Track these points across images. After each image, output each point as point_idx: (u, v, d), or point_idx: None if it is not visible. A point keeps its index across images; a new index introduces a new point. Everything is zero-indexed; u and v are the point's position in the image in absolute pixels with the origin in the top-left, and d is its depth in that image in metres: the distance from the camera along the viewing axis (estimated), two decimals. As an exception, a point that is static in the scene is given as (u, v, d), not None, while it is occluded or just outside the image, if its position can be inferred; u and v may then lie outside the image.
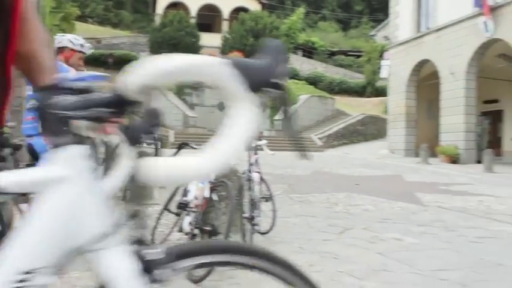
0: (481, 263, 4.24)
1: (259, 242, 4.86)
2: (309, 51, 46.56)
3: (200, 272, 2.40)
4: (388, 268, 4.02)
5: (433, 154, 20.71)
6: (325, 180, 10.10)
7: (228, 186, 3.53)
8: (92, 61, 39.83)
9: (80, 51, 4.11)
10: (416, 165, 17.97)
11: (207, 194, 3.71)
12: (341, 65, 48.12)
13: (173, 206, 4.36)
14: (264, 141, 5.42)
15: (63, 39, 4.13)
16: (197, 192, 3.89)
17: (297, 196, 8.73)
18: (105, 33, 46.24)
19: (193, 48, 37.81)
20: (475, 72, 19.88)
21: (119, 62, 40.03)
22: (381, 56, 36.60)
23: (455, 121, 20.07)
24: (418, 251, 4.71)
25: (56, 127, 0.82)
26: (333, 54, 48.90)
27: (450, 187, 11.06)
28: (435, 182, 12.25)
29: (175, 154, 4.65)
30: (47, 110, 0.81)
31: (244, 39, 36.59)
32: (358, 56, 47.87)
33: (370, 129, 30.18)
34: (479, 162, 18.91)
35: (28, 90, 3.59)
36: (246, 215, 4.35)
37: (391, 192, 9.43)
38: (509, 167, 17.67)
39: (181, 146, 4.42)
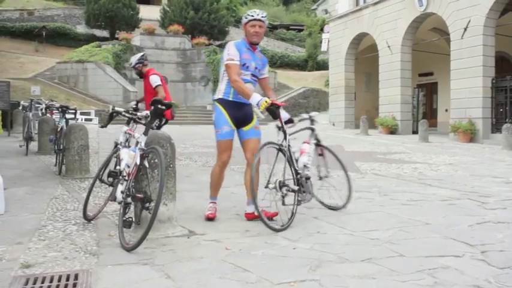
0: (410, 223, 4.40)
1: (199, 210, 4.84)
2: (250, 25, 46.22)
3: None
4: (322, 230, 4.10)
5: (372, 125, 21.28)
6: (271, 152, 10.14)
7: (159, 153, 3.45)
8: (24, 34, 37.98)
9: (254, 20, 4.55)
10: (356, 136, 18.40)
11: (137, 161, 3.62)
12: (283, 39, 48.22)
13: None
14: None
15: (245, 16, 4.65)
16: (129, 160, 3.79)
17: (238, 167, 8.72)
18: (37, 4, 44.07)
19: (132, 21, 36.73)
20: (410, 45, 20.46)
21: (52, 35, 38.33)
22: (321, 30, 36.96)
23: (393, 93, 20.65)
24: (352, 214, 4.83)
25: None
26: (274, 28, 48.83)
27: (387, 156, 11.40)
28: (373, 151, 12.61)
29: (108, 122, 4.53)
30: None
31: (184, 12, 35.92)
32: (300, 30, 48.12)
33: (312, 102, 30.58)
34: (415, 132, 19.64)
35: None
36: None
37: (331, 162, 9.58)
38: (443, 137, 18.45)
39: (112, 115, 4.31)
